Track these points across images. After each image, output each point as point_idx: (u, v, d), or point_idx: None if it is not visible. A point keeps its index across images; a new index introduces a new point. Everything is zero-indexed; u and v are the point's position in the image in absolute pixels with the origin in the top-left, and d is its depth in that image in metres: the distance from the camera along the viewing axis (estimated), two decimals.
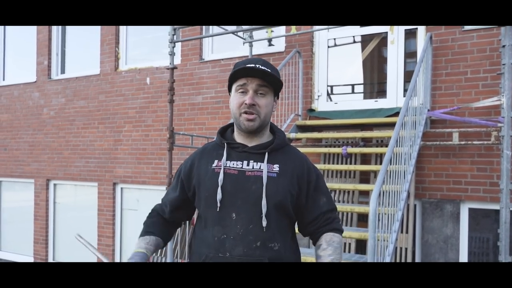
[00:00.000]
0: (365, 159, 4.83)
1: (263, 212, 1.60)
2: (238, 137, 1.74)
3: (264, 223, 1.60)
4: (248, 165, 1.67)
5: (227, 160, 1.69)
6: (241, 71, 1.64)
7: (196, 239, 1.74)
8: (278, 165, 1.68)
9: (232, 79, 1.69)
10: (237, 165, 1.67)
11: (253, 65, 1.63)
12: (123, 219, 6.75)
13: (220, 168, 1.66)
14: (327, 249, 1.67)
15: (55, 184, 7.55)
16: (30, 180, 7.75)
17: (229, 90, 1.74)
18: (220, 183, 1.63)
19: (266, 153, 1.68)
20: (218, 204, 1.62)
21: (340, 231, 1.75)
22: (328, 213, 1.73)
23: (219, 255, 1.61)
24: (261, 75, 1.63)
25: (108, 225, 6.74)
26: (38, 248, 7.54)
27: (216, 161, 1.70)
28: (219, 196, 1.62)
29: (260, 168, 1.65)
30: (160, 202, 1.91)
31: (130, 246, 6.63)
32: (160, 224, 1.84)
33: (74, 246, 7.22)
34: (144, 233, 1.80)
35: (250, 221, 1.61)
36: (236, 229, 1.61)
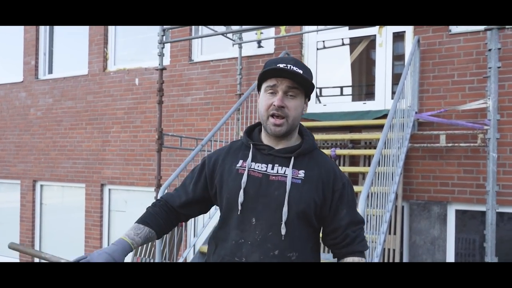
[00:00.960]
0: (353, 160, 4.85)
1: (283, 220, 1.52)
2: (265, 138, 1.67)
3: (283, 231, 1.53)
4: (272, 169, 1.60)
5: (252, 161, 1.62)
6: (272, 72, 1.56)
7: (217, 238, 1.67)
8: (303, 171, 1.59)
9: (261, 79, 1.61)
10: (261, 168, 1.60)
11: (285, 65, 1.55)
12: (111, 220, 6.71)
13: (245, 169, 1.60)
14: None
15: (41, 185, 7.47)
16: (16, 181, 7.66)
17: (258, 89, 1.67)
18: (243, 185, 1.57)
19: (292, 158, 1.60)
20: (239, 207, 1.57)
21: (361, 253, 1.60)
22: (348, 228, 1.60)
23: (235, 259, 1.56)
24: (292, 76, 1.54)
25: (95, 227, 6.69)
26: None
27: (241, 161, 1.64)
28: (240, 199, 1.56)
29: (284, 173, 1.58)
30: (172, 192, 1.80)
31: None
32: (161, 216, 1.70)
33: (61, 248, 7.16)
34: (141, 221, 1.67)
35: (270, 228, 1.54)
36: (254, 234, 1.55)
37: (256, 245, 1.54)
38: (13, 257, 7.61)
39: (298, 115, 1.61)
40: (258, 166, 1.61)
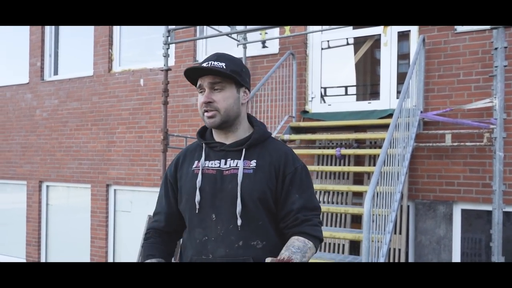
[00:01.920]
0: (358, 160, 4.85)
1: (238, 211, 1.56)
2: (216, 136, 1.72)
3: (239, 222, 1.56)
4: (225, 164, 1.64)
5: (205, 160, 1.67)
6: (190, 73, 1.64)
7: (183, 241, 1.72)
8: (255, 161, 1.63)
9: (190, 81, 1.68)
10: (215, 164, 1.65)
11: (207, 63, 1.62)
12: (116, 221, 6.72)
13: (199, 169, 1.65)
14: (281, 254, 1.51)
15: (47, 186, 7.50)
16: (23, 182, 7.70)
17: None
18: (198, 184, 1.62)
19: (243, 150, 1.65)
20: (197, 206, 1.61)
21: (308, 235, 1.57)
22: (299, 212, 1.59)
23: (202, 257, 1.60)
24: (210, 72, 1.61)
25: (101, 227, 6.71)
26: (31, 250, 7.48)
27: (196, 162, 1.69)
28: (197, 198, 1.61)
29: (236, 166, 1.62)
30: (152, 218, 1.82)
31: (123, 248, 6.61)
32: (159, 244, 1.73)
33: (66, 248, 7.19)
34: (146, 257, 1.69)
35: (230, 221, 1.58)
36: (216, 230, 1.59)
37: (220, 240, 1.58)
38: (20, 258, 7.65)
39: (231, 106, 1.64)
40: (211, 164, 1.66)
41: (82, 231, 6.92)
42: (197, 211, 1.61)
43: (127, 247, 6.52)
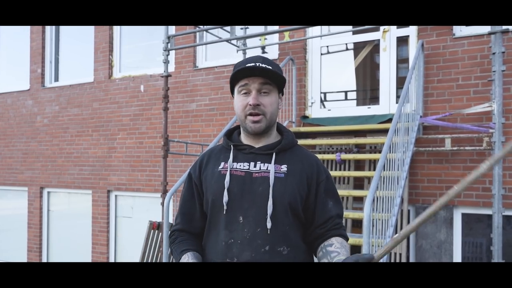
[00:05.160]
0: (358, 165, 4.86)
1: (268, 213, 1.53)
2: (245, 139, 1.68)
3: (269, 225, 1.53)
4: (255, 166, 1.60)
5: (233, 162, 1.63)
6: (242, 72, 1.57)
7: (205, 243, 1.66)
8: (286, 165, 1.61)
9: (233, 81, 1.62)
10: (243, 166, 1.61)
11: (253, 64, 1.57)
12: (117, 226, 6.73)
13: (227, 170, 1.60)
14: (342, 250, 1.54)
15: (48, 192, 7.51)
16: (24, 188, 7.71)
17: (232, 92, 1.67)
18: (226, 185, 1.57)
19: (274, 154, 1.62)
20: (225, 207, 1.56)
21: (347, 238, 1.65)
22: (336, 218, 1.63)
23: (226, 260, 1.54)
24: (262, 73, 1.56)
25: (102, 233, 6.72)
26: (32, 256, 7.49)
27: (222, 163, 1.64)
28: (225, 198, 1.56)
29: (267, 169, 1.59)
30: (174, 221, 1.76)
31: (125, 253, 6.61)
32: (188, 239, 1.67)
33: (68, 254, 7.19)
34: (180, 253, 1.62)
35: (258, 225, 1.54)
36: (243, 233, 1.54)
37: (246, 243, 1.54)
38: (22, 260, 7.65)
39: (275, 111, 1.62)
40: (240, 165, 1.62)
41: (83, 237, 6.92)
42: (224, 212, 1.57)
43: (128, 253, 6.52)
